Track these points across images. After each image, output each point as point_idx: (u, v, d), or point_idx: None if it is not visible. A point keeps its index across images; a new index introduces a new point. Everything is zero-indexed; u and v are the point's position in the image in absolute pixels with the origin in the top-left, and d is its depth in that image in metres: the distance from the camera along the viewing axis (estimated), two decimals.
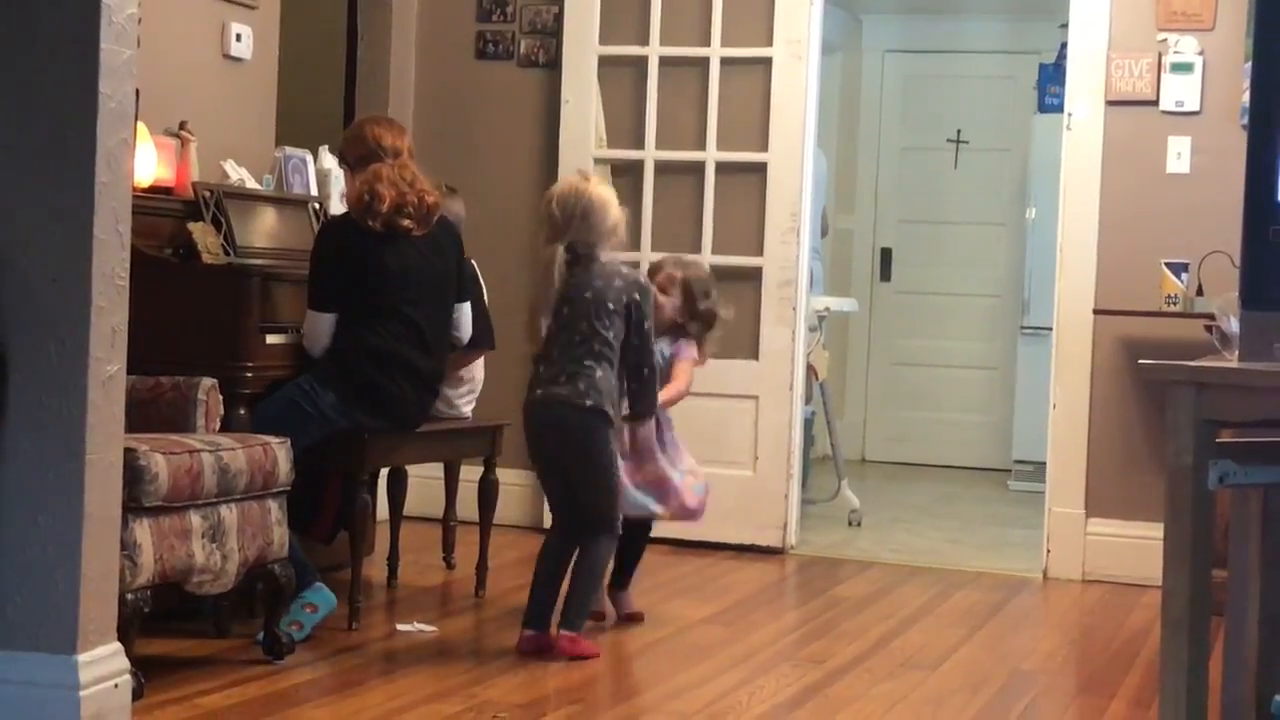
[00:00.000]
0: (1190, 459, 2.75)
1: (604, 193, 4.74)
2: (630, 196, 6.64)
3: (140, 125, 4.70)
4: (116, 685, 3.43)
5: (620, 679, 4.49)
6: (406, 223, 4.87)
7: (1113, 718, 4.25)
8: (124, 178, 3.46)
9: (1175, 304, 5.94)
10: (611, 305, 4.61)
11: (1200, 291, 5.91)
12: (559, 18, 6.72)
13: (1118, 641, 5.18)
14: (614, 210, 4.72)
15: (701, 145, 6.57)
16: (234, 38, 5.82)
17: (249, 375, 4.75)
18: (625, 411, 4.73)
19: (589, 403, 4.56)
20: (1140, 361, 2.96)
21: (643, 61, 6.63)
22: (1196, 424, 2.75)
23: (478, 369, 5.49)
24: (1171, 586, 2.79)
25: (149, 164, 5.06)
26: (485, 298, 5.57)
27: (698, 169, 6.58)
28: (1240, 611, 3.07)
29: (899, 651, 4.87)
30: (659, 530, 5.37)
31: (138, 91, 3.65)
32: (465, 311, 5.22)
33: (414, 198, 4.88)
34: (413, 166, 4.96)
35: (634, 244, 6.58)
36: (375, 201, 4.83)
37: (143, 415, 4.24)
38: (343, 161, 5.17)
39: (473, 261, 5.57)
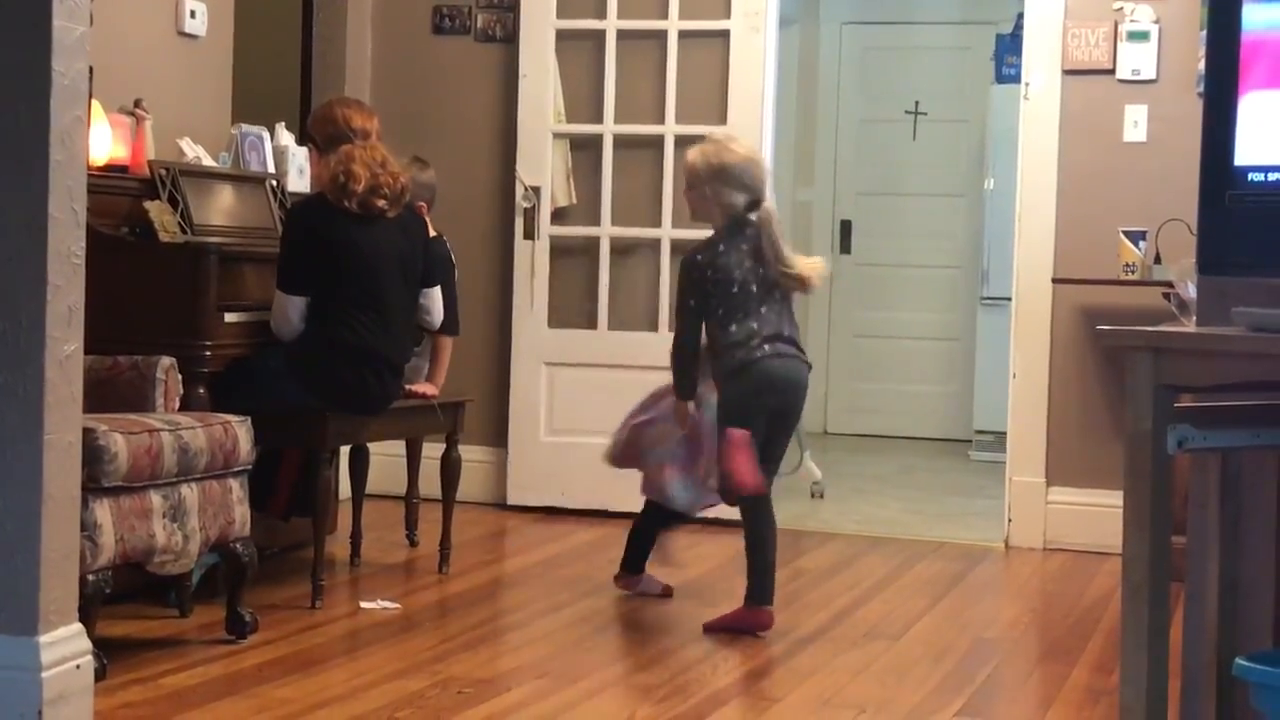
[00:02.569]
0: (1149, 424, 2.76)
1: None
2: (589, 171, 6.64)
3: (95, 103, 4.67)
4: (79, 666, 3.41)
5: (585, 653, 4.49)
6: (381, 203, 4.86)
7: (1075, 684, 4.27)
8: (78, 156, 3.42)
9: (1133, 272, 5.97)
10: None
11: (1158, 259, 5.94)
12: None
13: (1079, 609, 5.21)
14: None
15: (660, 119, 6.56)
16: (188, 14, 5.78)
17: (208, 354, 4.73)
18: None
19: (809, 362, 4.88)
20: (1099, 328, 2.96)
21: (600, 35, 6.61)
22: (1155, 389, 2.75)
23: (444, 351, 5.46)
24: (1132, 553, 2.79)
25: (104, 142, 5.02)
26: (456, 279, 5.54)
27: (657, 142, 6.56)
28: (1200, 577, 3.08)
29: (862, 622, 4.89)
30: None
31: (91, 69, 3.61)
32: (435, 296, 5.21)
33: (387, 179, 4.87)
34: (382, 149, 4.96)
35: (594, 219, 6.59)
36: (351, 182, 4.81)
37: (101, 395, 4.22)
38: (309, 142, 5.15)
39: (447, 242, 5.55)
